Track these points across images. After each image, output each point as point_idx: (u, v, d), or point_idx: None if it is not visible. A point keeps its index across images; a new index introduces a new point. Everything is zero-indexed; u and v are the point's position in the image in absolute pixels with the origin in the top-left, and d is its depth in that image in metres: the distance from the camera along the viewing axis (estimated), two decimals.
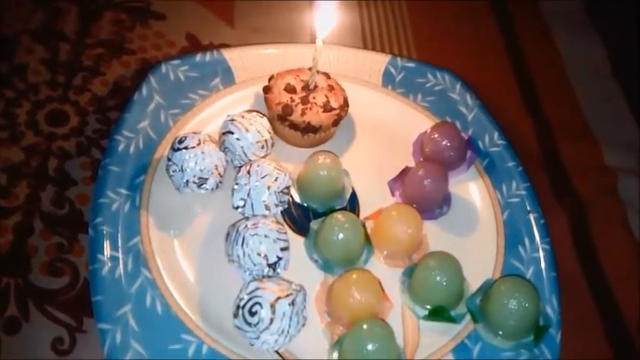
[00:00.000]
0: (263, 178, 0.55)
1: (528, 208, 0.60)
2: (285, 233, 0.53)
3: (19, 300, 0.51)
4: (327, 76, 0.64)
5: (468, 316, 0.53)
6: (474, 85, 0.70)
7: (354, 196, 0.61)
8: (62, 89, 0.65)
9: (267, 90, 0.62)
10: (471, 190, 0.63)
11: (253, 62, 0.67)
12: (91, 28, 0.71)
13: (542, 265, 0.56)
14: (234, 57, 0.67)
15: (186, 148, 0.55)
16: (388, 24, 0.79)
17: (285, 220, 0.58)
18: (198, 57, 0.66)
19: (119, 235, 0.53)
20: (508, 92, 0.75)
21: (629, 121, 0.73)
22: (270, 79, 0.63)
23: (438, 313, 0.53)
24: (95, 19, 0.72)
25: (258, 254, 0.51)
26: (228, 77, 0.66)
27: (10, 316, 0.50)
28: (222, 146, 0.58)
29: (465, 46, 0.78)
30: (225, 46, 0.72)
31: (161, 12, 0.74)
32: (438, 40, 0.78)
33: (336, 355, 0.50)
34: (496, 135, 0.65)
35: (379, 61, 0.70)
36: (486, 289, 0.54)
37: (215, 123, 0.62)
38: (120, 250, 0.52)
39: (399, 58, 0.70)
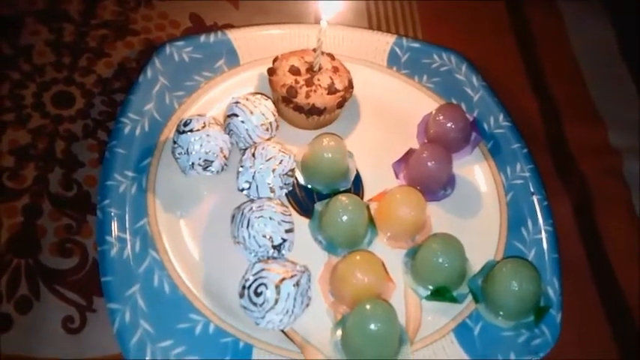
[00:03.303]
0: (268, 160, 0.55)
1: (532, 190, 0.60)
2: (290, 215, 0.54)
3: (30, 280, 0.52)
4: (332, 57, 0.64)
5: (470, 296, 0.54)
6: (480, 65, 0.70)
7: (358, 177, 0.61)
8: (67, 71, 0.65)
9: (271, 72, 0.62)
10: (475, 171, 0.63)
11: (258, 43, 0.67)
12: (96, 9, 0.71)
13: (545, 246, 0.57)
14: (238, 38, 0.67)
15: (191, 130, 0.55)
16: (394, 3, 0.78)
17: (289, 202, 0.58)
18: (203, 38, 0.66)
19: (127, 217, 0.54)
20: (515, 72, 0.74)
21: (636, 102, 0.73)
22: (274, 61, 0.63)
23: (441, 294, 0.53)
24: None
25: (264, 236, 0.51)
26: (232, 58, 0.66)
27: (22, 295, 0.51)
28: (227, 129, 0.59)
29: (472, 26, 0.77)
30: (230, 26, 0.72)
31: None
32: (445, 20, 0.77)
33: (339, 333, 0.51)
34: (501, 116, 0.65)
35: (384, 41, 0.70)
36: (488, 269, 0.55)
37: (220, 105, 0.63)
38: (127, 231, 0.53)
39: (404, 39, 0.70)
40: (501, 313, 0.52)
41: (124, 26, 0.70)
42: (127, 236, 0.52)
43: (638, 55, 0.76)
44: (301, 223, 0.57)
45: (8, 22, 0.68)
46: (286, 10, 0.75)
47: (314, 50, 0.62)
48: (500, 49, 0.76)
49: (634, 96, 0.73)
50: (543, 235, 0.57)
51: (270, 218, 0.52)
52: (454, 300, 0.53)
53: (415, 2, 0.78)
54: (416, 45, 0.70)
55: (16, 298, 0.51)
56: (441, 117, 0.62)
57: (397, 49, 0.69)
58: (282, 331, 0.51)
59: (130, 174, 0.56)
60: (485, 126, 0.65)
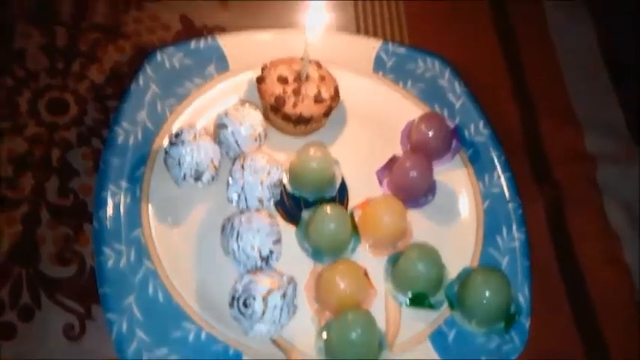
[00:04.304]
0: (256, 172, 0.58)
1: (508, 198, 0.63)
2: (278, 226, 0.57)
3: (32, 289, 0.55)
4: (319, 65, 0.66)
5: (447, 302, 0.58)
6: (463, 67, 0.72)
7: (343, 185, 0.64)
8: (61, 77, 0.67)
9: (260, 80, 0.64)
10: (455, 178, 0.66)
11: (247, 48, 0.69)
12: (86, 11, 0.72)
13: (517, 254, 0.60)
14: (227, 44, 0.68)
15: (182, 142, 0.58)
16: (381, 2, 0.79)
17: (277, 210, 0.61)
18: (193, 44, 0.67)
19: (122, 228, 0.56)
20: (497, 74, 0.76)
21: (615, 107, 0.75)
22: (263, 69, 0.65)
23: (419, 301, 0.57)
24: (89, 0, 0.72)
25: (252, 248, 0.54)
26: (222, 64, 0.67)
27: (25, 304, 0.54)
28: (218, 139, 0.61)
29: (457, 27, 0.79)
30: (219, 28, 0.73)
31: None
32: (431, 21, 0.78)
33: (323, 338, 0.54)
34: (481, 124, 0.68)
35: (371, 46, 0.71)
36: (464, 276, 0.58)
37: (210, 112, 0.64)
38: (123, 241, 0.56)
39: (390, 44, 0.72)
40: (474, 320, 0.56)
41: (115, 29, 0.71)
42: (123, 247, 0.55)
43: (620, 61, 0.78)
44: (288, 230, 0.60)
45: (0, 26, 0.69)
46: (275, 10, 0.76)
47: (302, 58, 0.63)
48: (484, 51, 0.78)
49: (613, 101, 0.75)
50: (517, 243, 0.61)
51: (259, 230, 0.55)
52: (432, 307, 0.57)
53: (402, 3, 0.78)
54: (401, 50, 0.71)
55: (19, 306, 0.54)
56: (423, 126, 0.64)
57: (383, 55, 0.71)
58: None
59: (124, 184, 0.59)
60: (466, 133, 0.68)
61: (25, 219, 0.58)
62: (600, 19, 0.81)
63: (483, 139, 0.67)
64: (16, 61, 0.67)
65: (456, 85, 0.70)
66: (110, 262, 0.54)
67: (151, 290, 0.54)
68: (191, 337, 0.53)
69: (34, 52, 0.68)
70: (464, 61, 0.73)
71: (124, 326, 0.52)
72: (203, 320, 0.54)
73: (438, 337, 0.56)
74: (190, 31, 0.73)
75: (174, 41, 0.70)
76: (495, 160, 0.66)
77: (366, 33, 0.75)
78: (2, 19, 0.69)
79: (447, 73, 0.70)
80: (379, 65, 0.70)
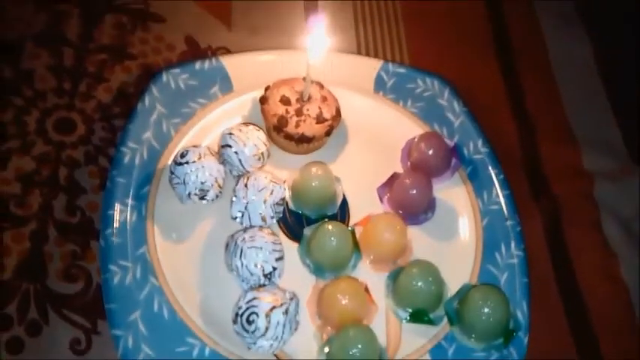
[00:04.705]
0: (260, 191, 0.59)
1: (506, 216, 0.64)
2: (280, 244, 0.58)
3: (39, 304, 0.56)
4: (321, 86, 0.67)
5: (446, 318, 0.59)
6: (463, 87, 0.73)
7: (344, 202, 0.65)
8: (68, 97, 0.69)
9: (263, 101, 0.66)
10: (454, 196, 0.67)
11: (250, 69, 0.70)
12: (93, 32, 0.73)
13: (516, 271, 0.61)
14: (231, 64, 0.70)
15: (187, 162, 0.59)
16: (381, 21, 0.81)
17: (280, 227, 0.62)
18: (198, 65, 0.69)
19: (128, 245, 0.58)
20: (496, 94, 0.78)
21: (612, 124, 0.76)
22: (266, 90, 0.67)
23: (419, 317, 0.58)
24: (96, 22, 0.74)
25: (255, 265, 0.56)
26: (226, 85, 0.69)
27: (32, 319, 0.56)
28: (222, 158, 0.62)
29: (457, 47, 0.80)
30: (224, 49, 0.75)
31: (160, 14, 0.76)
32: (431, 43, 0.80)
33: (326, 350, 0.55)
34: (480, 142, 0.69)
35: (372, 66, 0.73)
36: (464, 293, 0.59)
37: (215, 132, 0.66)
38: (129, 259, 0.57)
39: (390, 64, 0.73)
40: (473, 335, 0.57)
41: (121, 50, 0.73)
42: (129, 264, 0.57)
43: (616, 77, 0.79)
44: (291, 247, 0.61)
45: (9, 46, 0.71)
46: (279, 29, 0.78)
47: (304, 79, 0.65)
48: (483, 70, 0.79)
49: (610, 119, 0.77)
50: (515, 260, 0.62)
51: (262, 248, 0.56)
52: (431, 322, 0.58)
53: (402, 25, 0.80)
54: (401, 70, 0.73)
55: (26, 321, 0.55)
56: (423, 145, 0.66)
57: (383, 74, 0.73)
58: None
59: (130, 202, 0.60)
60: (465, 151, 0.69)
61: (32, 236, 0.60)
62: (598, 38, 0.83)
63: (482, 157, 0.68)
64: (25, 82, 0.69)
65: (455, 104, 0.71)
66: (116, 279, 0.55)
67: (156, 306, 0.55)
68: (195, 352, 0.54)
69: (42, 72, 0.70)
70: (463, 80, 0.75)
71: (130, 341, 0.53)
72: (207, 336, 0.55)
73: (437, 352, 0.57)
74: (195, 51, 0.75)
75: (179, 61, 0.72)
76: (494, 178, 0.67)
77: (367, 54, 0.77)
78: (11, 40, 0.71)
79: (447, 93, 0.72)
80: (380, 85, 0.72)
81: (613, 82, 0.79)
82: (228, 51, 0.75)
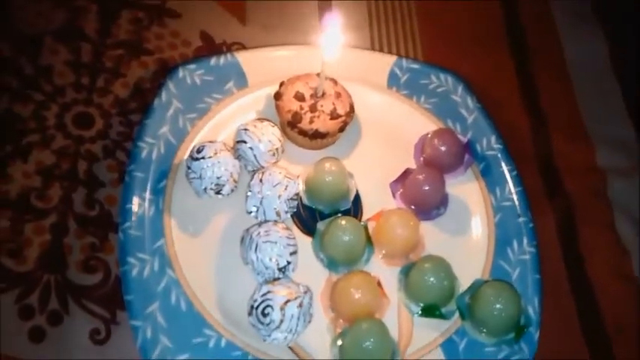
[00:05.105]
0: (274, 186, 0.60)
1: (519, 212, 0.65)
2: (294, 238, 0.59)
3: (60, 295, 0.58)
4: (335, 82, 0.68)
5: (458, 313, 0.59)
6: (476, 83, 0.73)
7: (357, 197, 0.66)
8: (86, 92, 0.70)
9: (277, 97, 0.67)
10: (467, 192, 0.67)
11: (265, 65, 0.71)
12: (111, 28, 0.75)
13: (528, 267, 0.62)
14: (246, 60, 0.71)
15: (203, 157, 0.60)
16: (395, 19, 0.81)
17: (294, 221, 0.63)
18: (213, 60, 0.70)
19: (145, 238, 0.59)
20: (509, 90, 0.78)
21: (625, 121, 0.76)
22: (280, 85, 0.67)
23: (431, 311, 0.59)
24: (114, 17, 0.75)
25: (270, 259, 0.57)
26: (241, 80, 0.70)
27: (53, 309, 0.57)
28: (237, 153, 0.63)
29: (471, 44, 0.81)
30: (238, 44, 0.76)
31: (176, 10, 0.77)
32: (445, 39, 0.80)
33: (339, 343, 0.56)
34: (493, 138, 0.69)
35: (385, 62, 0.73)
36: (476, 288, 0.60)
37: (230, 127, 0.67)
38: (147, 252, 0.58)
39: (404, 60, 0.74)
40: (484, 330, 0.57)
41: (138, 45, 0.74)
42: (147, 256, 0.58)
43: (631, 76, 0.79)
44: (304, 241, 0.62)
45: (29, 41, 0.72)
46: (293, 26, 0.79)
47: (318, 74, 0.66)
48: (497, 67, 0.79)
49: (623, 115, 0.76)
50: (527, 256, 0.62)
51: (276, 242, 0.57)
52: (443, 317, 0.59)
53: (416, 22, 0.81)
54: (415, 66, 0.73)
55: (47, 311, 0.57)
56: (436, 141, 0.66)
57: (397, 70, 0.73)
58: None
59: (148, 196, 0.61)
60: (478, 147, 0.69)
61: (53, 228, 0.61)
62: (613, 37, 0.82)
63: (495, 153, 0.69)
64: (44, 77, 0.70)
65: (469, 100, 0.72)
66: (135, 271, 0.57)
67: (173, 298, 0.56)
68: (212, 343, 0.55)
69: (61, 67, 0.71)
70: (477, 78, 0.75)
71: (149, 332, 0.54)
72: (223, 328, 0.56)
73: (449, 346, 0.58)
74: (210, 47, 0.76)
75: (194, 57, 0.73)
76: (507, 175, 0.67)
77: (381, 51, 0.77)
78: (31, 35, 0.73)
79: (460, 89, 0.72)
80: (393, 81, 0.73)
81: (628, 80, 0.79)
82: (242, 46, 0.76)
